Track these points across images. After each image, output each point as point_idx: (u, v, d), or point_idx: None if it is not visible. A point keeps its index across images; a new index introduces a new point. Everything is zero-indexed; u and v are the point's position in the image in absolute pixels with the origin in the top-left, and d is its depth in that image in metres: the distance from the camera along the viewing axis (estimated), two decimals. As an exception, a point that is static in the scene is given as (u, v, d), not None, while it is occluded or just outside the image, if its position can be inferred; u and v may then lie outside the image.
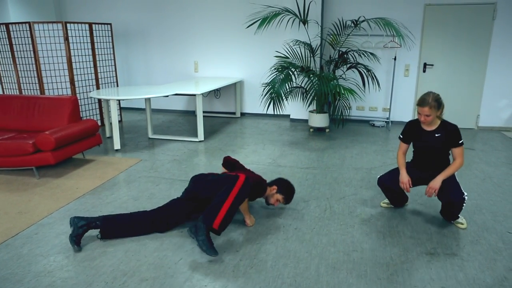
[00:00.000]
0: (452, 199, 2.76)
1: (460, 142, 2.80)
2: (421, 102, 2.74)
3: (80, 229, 2.62)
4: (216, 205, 2.57)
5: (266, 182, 3.14)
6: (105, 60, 6.20)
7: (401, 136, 3.07)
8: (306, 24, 5.77)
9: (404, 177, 2.91)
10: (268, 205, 3.17)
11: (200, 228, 2.48)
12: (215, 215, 2.53)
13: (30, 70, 5.49)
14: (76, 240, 2.60)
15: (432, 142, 2.85)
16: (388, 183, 3.03)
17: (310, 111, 5.97)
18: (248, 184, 2.71)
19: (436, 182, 2.76)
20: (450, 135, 2.80)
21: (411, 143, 3.04)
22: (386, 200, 3.32)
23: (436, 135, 2.84)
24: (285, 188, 3.11)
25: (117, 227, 2.74)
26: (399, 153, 3.07)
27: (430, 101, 2.71)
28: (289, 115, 6.94)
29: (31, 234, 2.85)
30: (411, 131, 2.99)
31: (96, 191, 3.64)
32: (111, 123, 5.57)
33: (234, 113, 7.22)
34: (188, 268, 2.42)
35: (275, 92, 5.16)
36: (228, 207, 2.57)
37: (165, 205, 2.90)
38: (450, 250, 2.62)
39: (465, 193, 2.76)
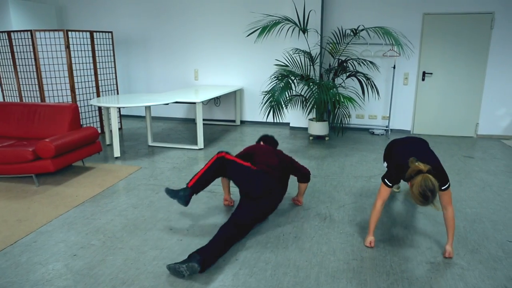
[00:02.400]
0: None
1: (447, 185, 2.53)
2: (424, 203, 2.36)
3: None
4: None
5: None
6: (105, 68, 6.23)
7: (387, 182, 2.66)
8: (306, 33, 5.81)
9: (368, 241, 2.77)
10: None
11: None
12: (191, 178, 3.03)
13: (31, 78, 5.52)
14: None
15: None
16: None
17: (309, 119, 5.98)
18: (220, 159, 3.03)
19: (450, 252, 2.61)
20: (438, 178, 2.44)
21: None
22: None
23: None
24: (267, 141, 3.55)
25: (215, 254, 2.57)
26: (378, 204, 2.69)
27: (433, 201, 2.36)
28: (288, 123, 6.95)
29: (30, 242, 2.84)
30: (398, 178, 2.66)
31: (96, 198, 3.64)
32: (111, 131, 5.57)
33: (234, 121, 7.24)
34: (187, 276, 2.41)
35: (275, 100, 5.18)
36: (202, 172, 3.02)
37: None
38: (450, 259, 2.61)
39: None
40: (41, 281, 2.36)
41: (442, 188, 2.53)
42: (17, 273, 2.45)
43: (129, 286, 2.31)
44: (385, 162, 3.21)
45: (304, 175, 3.33)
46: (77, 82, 5.77)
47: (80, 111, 5.83)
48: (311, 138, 6.07)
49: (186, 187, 2.98)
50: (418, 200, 2.35)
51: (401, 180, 2.69)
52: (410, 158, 2.51)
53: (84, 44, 5.80)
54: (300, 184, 3.41)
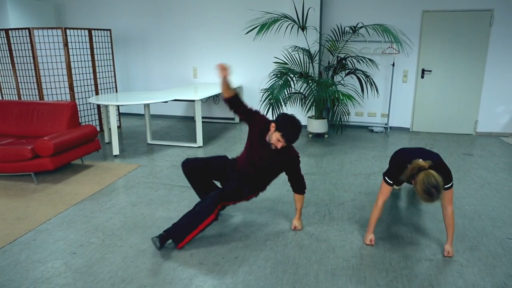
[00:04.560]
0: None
1: (450, 184, 2.53)
2: (429, 200, 2.32)
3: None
4: (187, 228, 2.66)
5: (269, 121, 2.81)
6: (104, 65, 6.21)
7: (387, 179, 2.65)
8: (305, 30, 5.80)
9: (368, 239, 2.78)
10: (273, 148, 2.71)
11: (165, 238, 2.68)
12: (183, 238, 2.66)
13: (29, 76, 5.50)
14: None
15: None
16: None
17: (309, 117, 5.98)
18: (216, 217, 2.70)
19: (450, 251, 2.61)
20: (441, 176, 2.39)
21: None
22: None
23: None
24: (284, 123, 2.62)
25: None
26: (379, 202, 2.68)
27: (438, 197, 2.32)
28: (288, 121, 6.93)
29: (29, 240, 2.83)
30: (398, 176, 2.63)
31: (95, 196, 3.63)
32: (110, 129, 5.56)
33: (233, 119, 7.23)
34: (186, 274, 2.41)
35: (274, 97, 5.17)
36: (196, 233, 2.68)
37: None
38: (450, 257, 2.61)
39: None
40: (40, 279, 2.36)
41: (446, 186, 2.49)
42: (16, 271, 2.45)
43: (128, 284, 2.31)
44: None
45: (301, 185, 2.92)
46: (76, 80, 5.75)
47: (78, 109, 5.81)
48: (310, 135, 6.06)
49: (174, 245, 2.70)
50: (423, 198, 2.30)
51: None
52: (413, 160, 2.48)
53: (82, 42, 5.78)
54: (296, 196, 2.95)
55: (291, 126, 2.61)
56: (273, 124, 2.65)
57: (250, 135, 2.88)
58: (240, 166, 2.93)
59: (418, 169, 2.36)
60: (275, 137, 2.63)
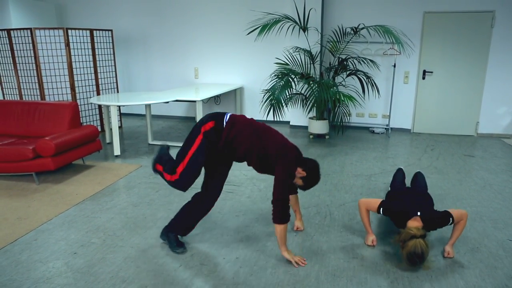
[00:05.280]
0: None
1: (451, 221, 2.54)
2: (411, 267, 2.45)
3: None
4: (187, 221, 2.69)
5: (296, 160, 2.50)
6: (105, 66, 6.22)
7: (381, 210, 2.69)
8: (306, 31, 5.80)
9: (370, 240, 2.79)
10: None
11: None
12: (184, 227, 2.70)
13: (31, 76, 5.51)
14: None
15: None
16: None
17: (310, 118, 5.98)
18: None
19: (450, 252, 2.62)
20: (440, 225, 2.57)
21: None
22: None
23: None
24: (310, 178, 2.53)
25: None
26: (362, 209, 2.76)
27: (420, 265, 2.44)
28: (289, 122, 6.94)
29: (30, 240, 2.84)
30: (392, 217, 2.70)
31: (96, 197, 3.64)
32: (111, 129, 5.57)
33: (234, 119, 7.22)
34: (187, 275, 2.41)
35: (275, 98, 5.17)
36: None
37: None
38: (450, 258, 2.61)
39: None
40: (42, 279, 2.36)
41: (449, 224, 2.55)
42: (17, 271, 2.45)
43: (129, 284, 2.31)
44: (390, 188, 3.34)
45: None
46: (77, 81, 5.76)
47: (80, 109, 5.82)
48: (311, 136, 6.06)
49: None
50: (406, 263, 2.42)
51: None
52: (408, 222, 2.55)
53: (84, 42, 5.79)
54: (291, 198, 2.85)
55: (313, 182, 2.54)
56: (302, 171, 2.48)
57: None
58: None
59: (410, 237, 2.40)
60: (298, 181, 2.53)
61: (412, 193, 2.99)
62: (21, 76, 5.59)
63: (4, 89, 5.89)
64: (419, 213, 2.55)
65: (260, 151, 2.44)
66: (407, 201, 2.77)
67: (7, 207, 3.39)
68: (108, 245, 2.76)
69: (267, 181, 4.05)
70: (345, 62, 5.85)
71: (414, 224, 2.52)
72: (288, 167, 2.42)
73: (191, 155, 2.45)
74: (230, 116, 2.52)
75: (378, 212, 2.70)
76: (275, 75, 5.55)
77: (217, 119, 2.49)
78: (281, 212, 2.39)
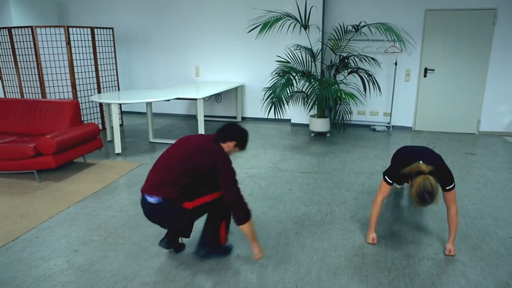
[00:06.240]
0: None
1: (452, 186, 2.52)
2: (421, 204, 2.35)
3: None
4: (213, 230, 2.49)
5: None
6: (106, 64, 6.22)
7: (387, 178, 2.67)
8: (307, 29, 5.79)
9: (370, 238, 2.77)
10: None
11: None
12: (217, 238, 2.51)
13: (32, 74, 5.51)
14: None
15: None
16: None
17: (311, 116, 5.97)
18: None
19: (451, 250, 2.61)
20: (441, 178, 2.49)
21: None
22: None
23: None
24: (240, 141, 2.53)
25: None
26: (378, 199, 2.71)
27: (431, 203, 2.33)
28: (290, 120, 6.94)
29: (31, 237, 2.84)
30: (398, 175, 2.62)
31: (97, 195, 3.64)
32: (112, 127, 5.57)
33: (235, 117, 7.23)
34: (189, 272, 2.41)
35: (276, 96, 5.16)
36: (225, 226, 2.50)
37: None
38: (452, 256, 2.60)
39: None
40: (43, 276, 2.37)
41: (447, 188, 2.52)
42: (19, 268, 2.45)
43: (130, 282, 2.32)
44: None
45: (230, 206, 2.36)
46: (78, 79, 5.76)
47: (81, 107, 5.82)
48: (312, 134, 6.06)
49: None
50: (415, 201, 2.33)
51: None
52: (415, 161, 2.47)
53: (85, 41, 5.79)
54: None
55: (244, 136, 2.54)
56: (230, 144, 2.49)
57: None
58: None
59: (417, 172, 2.35)
60: (234, 150, 2.54)
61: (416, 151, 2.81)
62: (22, 75, 5.59)
63: (5, 87, 5.89)
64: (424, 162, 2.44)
65: (194, 171, 2.35)
66: (411, 153, 2.67)
67: (9, 205, 3.40)
68: (109, 243, 2.76)
69: (268, 179, 4.05)
70: (346, 60, 5.83)
71: (422, 165, 2.39)
72: (226, 160, 2.34)
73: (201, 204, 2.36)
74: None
75: (387, 182, 2.64)
76: (276, 73, 5.54)
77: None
78: (241, 211, 2.29)
